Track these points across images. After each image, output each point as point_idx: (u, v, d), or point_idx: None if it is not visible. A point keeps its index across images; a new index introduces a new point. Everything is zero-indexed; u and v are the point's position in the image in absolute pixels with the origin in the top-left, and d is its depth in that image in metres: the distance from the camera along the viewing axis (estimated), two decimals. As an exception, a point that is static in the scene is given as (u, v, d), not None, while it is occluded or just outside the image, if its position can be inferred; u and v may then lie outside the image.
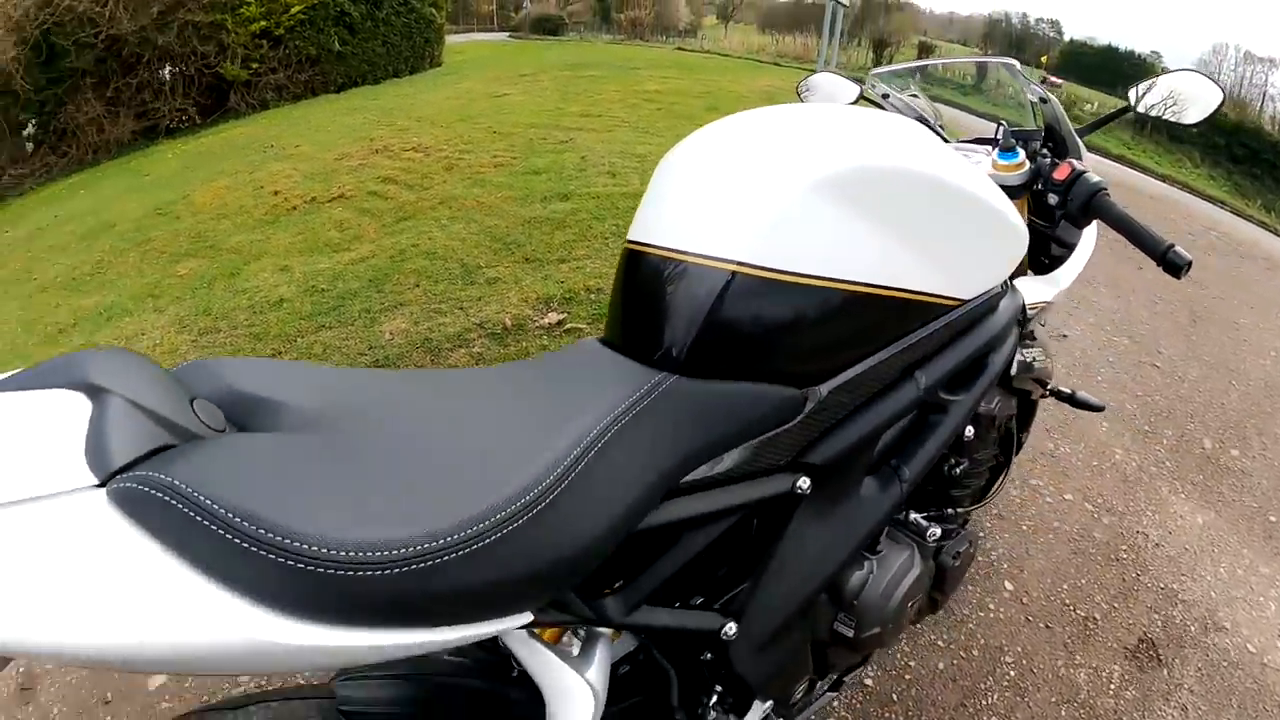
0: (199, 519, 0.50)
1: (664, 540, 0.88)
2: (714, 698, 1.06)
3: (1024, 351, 1.36)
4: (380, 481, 0.62)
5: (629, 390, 0.79)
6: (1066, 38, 39.30)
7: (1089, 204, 1.29)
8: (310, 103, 10.55)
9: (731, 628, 0.97)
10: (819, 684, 1.29)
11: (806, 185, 0.86)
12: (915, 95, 1.72)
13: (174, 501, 0.50)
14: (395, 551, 0.54)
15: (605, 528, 0.69)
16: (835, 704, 1.63)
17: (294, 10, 10.22)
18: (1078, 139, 1.48)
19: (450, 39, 20.14)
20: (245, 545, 0.50)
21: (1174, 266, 1.16)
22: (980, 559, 2.05)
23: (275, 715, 0.82)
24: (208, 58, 9.91)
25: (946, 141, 1.63)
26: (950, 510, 1.33)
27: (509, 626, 0.67)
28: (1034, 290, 1.31)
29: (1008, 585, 1.98)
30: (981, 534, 2.14)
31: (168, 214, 5.70)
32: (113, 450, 0.52)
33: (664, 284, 0.88)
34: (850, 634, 1.13)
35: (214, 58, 9.93)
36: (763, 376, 0.88)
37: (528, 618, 0.69)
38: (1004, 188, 1.27)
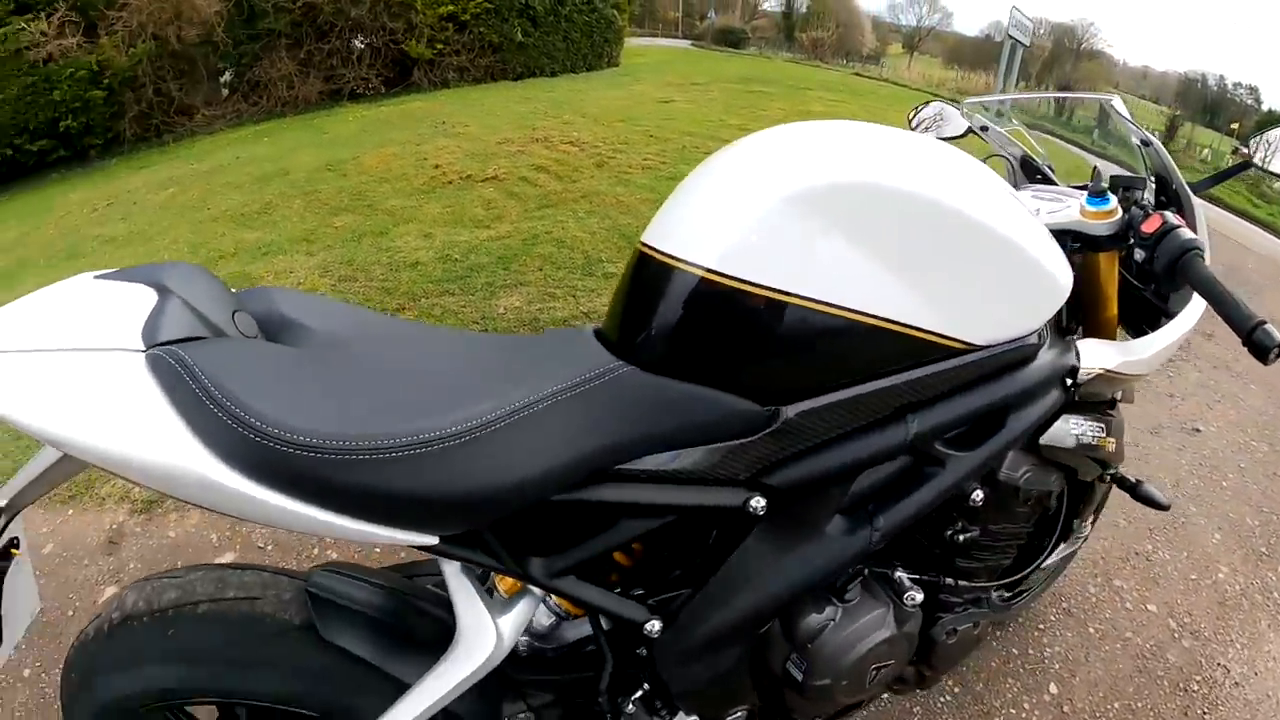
0: (194, 387, 0.70)
1: (601, 518, 0.92)
2: (638, 693, 1.09)
3: (1075, 421, 1.25)
4: (346, 394, 0.79)
5: (584, 369, 0.85)
6: (1265, 107, 36.44)
7: (1175, 264, 1.14)
8: (488, 87, 10.98)
9: (656, 625, 0.99)
10: None
11: (781, 197, 0.87)
12: (1018, 129, 1.63)
13: (182, 371, 0.70)
14: (325, 442, 0.70)
15: (510, 481, 0.79)
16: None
17: None
18: (1188, 190, 1.34)
19: (633, 41, 20.41)
20: (217, 412, 0.69)
21: (1261, 348, 1.02)
22: (1030, 652, 1.93)
23: (258, 580, 1.03)
24: (396, 34, 10.49)
25: (1051, 182, 1.52)
26: (951, 581, 1.24)
27: (413, 540, 0.79)
28: (1097, 354, 1.19)
29: (1052, 688, 1.84)
30: (1041, 625, 2.02)
31: (337, 170, 6.07)
32: (158, 330, 0.74)
33: (643, 281, 0.93)
34: (799, 678, 1.10)
35: (402, 35, 10.49)
36: (723, 385, 0.89)
37: (432, 540, 0.80)
38: (1093, 238, 1.23)
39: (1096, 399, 1.28)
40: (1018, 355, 1.05)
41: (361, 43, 10.59)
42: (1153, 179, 1.38)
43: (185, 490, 0.71)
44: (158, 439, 0.68)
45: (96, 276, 0.83)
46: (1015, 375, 1.06)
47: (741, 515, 0.97)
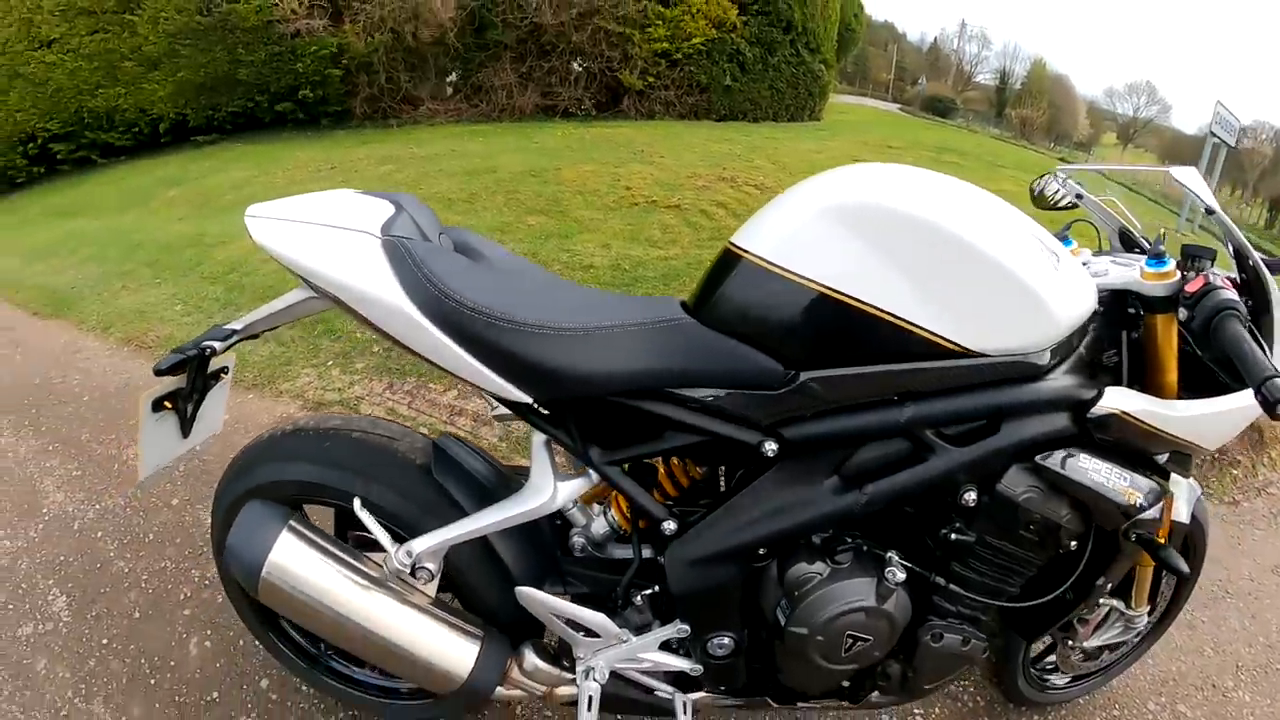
0: (408, 261, 1.17)
1: (651, 426, 1.24)
2: (649, 591, 1.39)
3: (1093, 460, 1.25)
4: (498, 290, 1.21)
5: (659, 316, 1.21)
6: None
7: (1211, 322, 1.14)
8: (690, 124, 11.23)
9: (671, 525, 1.29)
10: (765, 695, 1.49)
11: (819, 210, 1.15)
12: (1112, 199, 1.65)
13: (402, 251, 1.17)
14: (482, 309, 1.15)
15: (590, 371, 1.17)
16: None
17: (695, 40, 11.09)
18: (1263, 266, 1.31)
19: (841, 99, 20.13)
20: (419, 277, 1.15)
21: (1269, 401, 0.99)
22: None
23: (402, 431, 1.50)
24: (612, 62, 11.10)
25: (1137, 250, 1.54)
26: (943, 581, 1.34)
27: (516, 395, 1.19)
28: (1120, 398, 1.21)
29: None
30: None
31: (538, 177, 6.64)
32: (391, 228, 1.23)
33: (719, 264, 1.23)
34: (782, 621, 1.30)
35: (617, 64, 11.09)
36: (756, 344, 1.17)
37: (527, 399, 1.20)
38: (1149, 299, 1.25)
39: (1133, 451, 1.28)
40: (1015, 370, 1.18)
41: (580, 66, 11.28)
42: (1233, 254, 1.38)
43: (388, 320, 1.16)
44: (380, 285, 1.14)
45: (357, 192, 1.35)
46: (1013, 388, 1.19)
47: (757, 455, 1.21)
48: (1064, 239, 1.51)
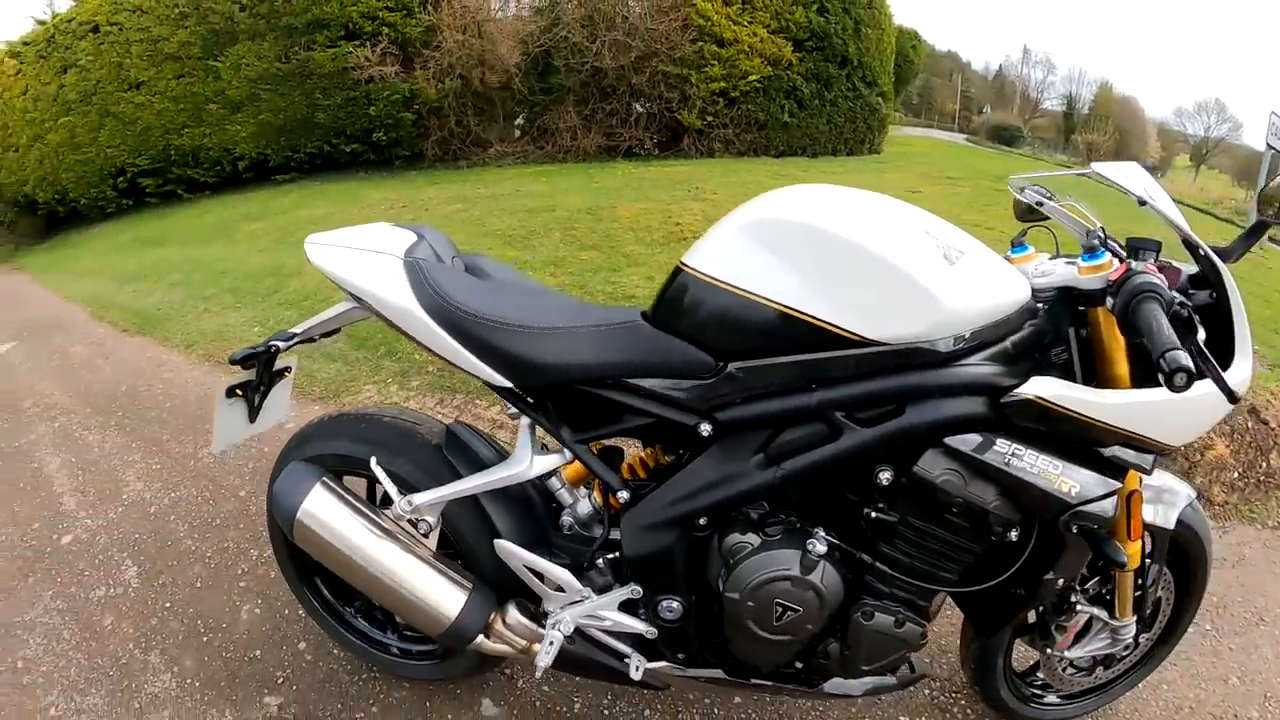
0: (422, 277, 1.45)
1: (611, 410, 1.44)
2: (611, 554, 1.58)
3: (1015, 446, 1.28)
4: (494, 299, 1.45)
5: (618, 319, 1.44)
6: None
7: (1128, 306, 1.13)
8: (749, 161, 11.24)
9: (625, 495, 1.48)
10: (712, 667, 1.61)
11: (739, 225, 1.36)
12: (1072, 203, 1.57)
13: (419, 270, 1.47)
14: (479, 313, 1.40)
15: (559, 362, 1.40)
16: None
17: (751, 79, 11.10)
18: (1214, 256, 1.30)
19: (905, 131, 19.56)
20: (430, 288, 1.44)
21: (1167, 373, 1.00)
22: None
23: (424, 419, 1.77)
24: (670, 103, 11.22)
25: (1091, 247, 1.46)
26: (869, 558, 1.42)
27: (499, 380, 1.43)
28: (1041, 385, 1.26)
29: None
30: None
31: (595, 215, 6.85)
32: (413, 252, 1.52)
33: (668, 278, 1.42)
34: (720, 587, 1.45)
35: (676, 104, 11.19)
36: (692, 340, 1.36)
37: (508, 384, 1.44)
38: (1088, 292, 1.30)
39: (1078, 443, 1.30)
40: (915, 356, 1.27)
41: (641, 107, 11.46)
42: (1183, 244, 1.36)
43: (402, 319, 1.43)
44: (400, 296, 1.43)
45: (390, 225, 1.64)
46: (915, 373, 1.29)
47: (695, 435, 1.39)
48: (1020, 245, 1.55)
